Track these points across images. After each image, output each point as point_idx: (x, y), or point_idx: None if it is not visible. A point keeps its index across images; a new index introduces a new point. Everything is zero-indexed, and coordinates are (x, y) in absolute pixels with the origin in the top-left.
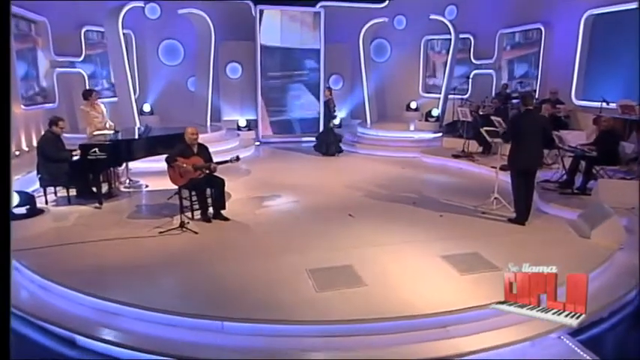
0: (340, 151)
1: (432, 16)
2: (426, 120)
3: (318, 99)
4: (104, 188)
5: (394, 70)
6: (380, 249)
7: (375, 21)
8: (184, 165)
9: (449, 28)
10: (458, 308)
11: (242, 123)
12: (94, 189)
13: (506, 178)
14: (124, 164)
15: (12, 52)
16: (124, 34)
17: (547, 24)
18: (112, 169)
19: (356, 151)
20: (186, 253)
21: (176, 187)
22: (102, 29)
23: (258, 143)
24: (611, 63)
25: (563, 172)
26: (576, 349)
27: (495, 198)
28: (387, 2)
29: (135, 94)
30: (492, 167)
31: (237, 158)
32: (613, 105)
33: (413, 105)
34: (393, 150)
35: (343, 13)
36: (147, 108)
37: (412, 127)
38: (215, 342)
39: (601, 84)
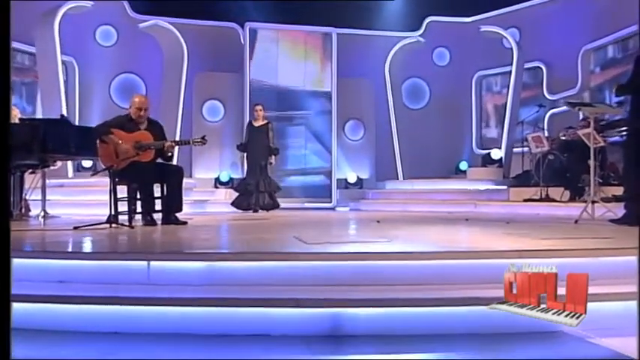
0: (276, 206)
1: (484, 28)
2: (484, 166)
3: (329, 151)
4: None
5: (436, 119)
6: (409, 231)
7: (405, 42)
8: (120, 142)
9: (511, 55)
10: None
11: (224, 178)
12: None
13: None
14: (41, 175)
15: None
16: (63, 61)
17: None
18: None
19: (382, 209)
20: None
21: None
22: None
23: None
24: None
25: None
26: None
27: (593, 201)
28: (422, 30)
29: None
30: (583, 201)
31: (204, 139)
32: None
33: (463, 166)
34: (436, 204)
35: (363, 41)
36: (87, 163)
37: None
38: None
39: None
